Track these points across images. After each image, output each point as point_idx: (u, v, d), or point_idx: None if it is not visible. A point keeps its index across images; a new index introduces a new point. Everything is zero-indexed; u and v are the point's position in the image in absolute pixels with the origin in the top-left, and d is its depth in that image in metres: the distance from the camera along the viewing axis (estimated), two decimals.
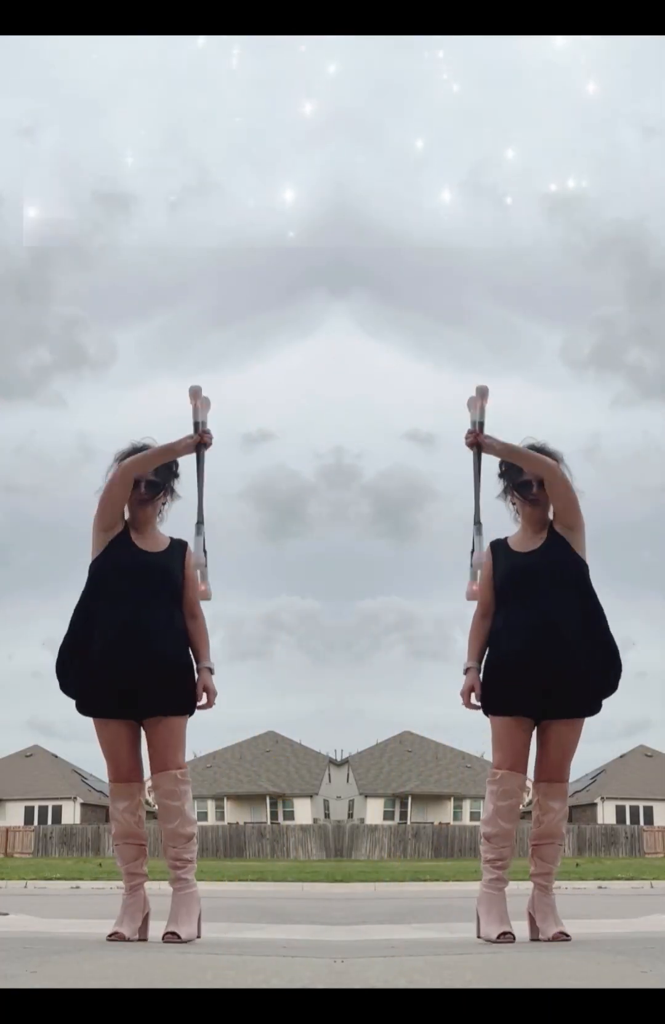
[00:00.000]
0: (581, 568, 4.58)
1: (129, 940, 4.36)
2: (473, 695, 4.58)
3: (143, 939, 4.44)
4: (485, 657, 4.61)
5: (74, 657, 4.51)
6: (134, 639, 4.44)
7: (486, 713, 4.56)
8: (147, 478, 4.62)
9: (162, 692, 4.45)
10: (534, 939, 4.42)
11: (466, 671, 4.63)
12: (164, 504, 4.72)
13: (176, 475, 4.73)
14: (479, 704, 4.58)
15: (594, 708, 4.53)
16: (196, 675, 4.58)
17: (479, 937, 4.38)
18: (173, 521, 4.81)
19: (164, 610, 4.52)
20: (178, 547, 4.69)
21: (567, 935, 4.35)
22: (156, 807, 4.50)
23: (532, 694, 4.45)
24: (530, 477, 4.60)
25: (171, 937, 4.29)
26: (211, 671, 4.62)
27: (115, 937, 4.34)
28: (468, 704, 4.59)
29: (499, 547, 4.69)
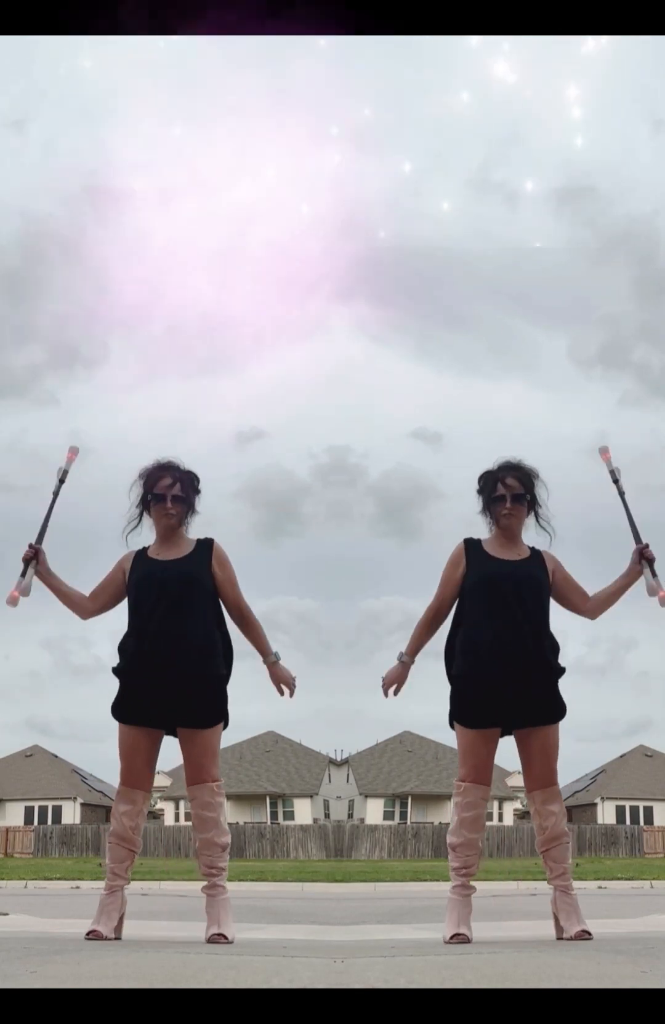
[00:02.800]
0: (547, 587, 4.70)
1: (106, 938, 4.41)
2: (392, 688, 4.73)
3: (118, 938, 4.50)
4: (455, 665, 4.64)
5: (122, 667, 4.62)
6: (157, 652, 4.52)
7: (452, 724, 4.64)
8: (173, 493, 4.68)
9: (188, 705, 4.50)
10: (559, 938, 4.49)
11: (402, 661, 4.75)
12: (189, 517, 4.76)
13: (198, 490, 4.78)
14: (395, 695, 4.72)
15: (562, 712, 4.61)
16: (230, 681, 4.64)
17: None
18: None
19: (189, 620, 4.56)
20: (203, 548, 4.71)
21: (589, 933, 4.42)
22: (191, 816, 4.58)
23: (503, 706, 4.52)
24: (503, 492, 4.69)
25: (219, 938, 4.38)
26: (276, 662, 4.74)
27: (93, 935, 4.40)
28: (388, 693, 4.74)
29: (475, 548, 4.75)
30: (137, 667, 4.54)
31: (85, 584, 4.77)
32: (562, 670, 4.64)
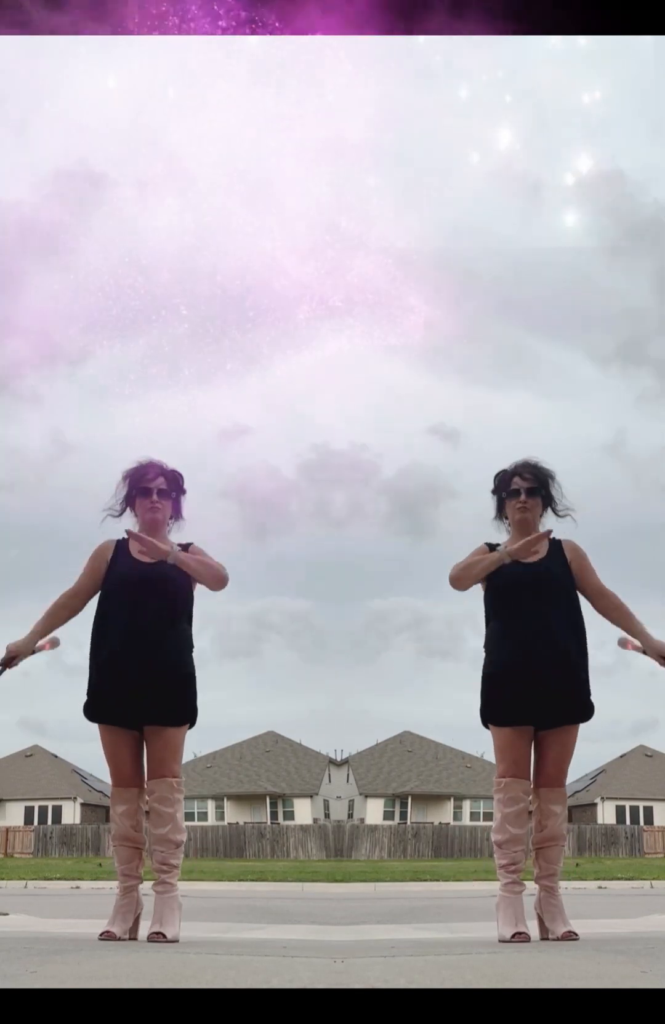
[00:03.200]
0: (572, 582, 4.68)
1: (120, 939, 4.42)
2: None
3: (133, 938, 4.51)
4: (483, 665, 4.66)
5: (91, 666, 4.64)
6: (132, 649, 4.53)
7: (487, 724, 4.63)
8: (158, 486, 4.69)
9: (159, 702, 4.52)
10: (544, 938, 4.48)
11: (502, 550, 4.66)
12: (172, 519, 4.77)
13: (184, 490, 4.79)
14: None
15: (590, 713, 4.62)
16: (190, 682, 4.63)
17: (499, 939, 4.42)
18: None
19: (163, 619, 4.58)
20: (182, 546, 4.73)
21: (575, 934, 4.42)
22: (148, 810, 4.56)
23: (533, 704, 4.52)
24: (518, 486, 4.69)
25: (158, 937, 4.36)
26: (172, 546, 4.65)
27: (106, 936, 4.41)
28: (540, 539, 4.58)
29: (495, 551, 4.73)
30: (116, 666, 4.55)
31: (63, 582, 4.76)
32: (586, 666, 4.62)
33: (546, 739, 4.59)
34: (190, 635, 4.68)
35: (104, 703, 4.57)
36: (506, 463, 4.80)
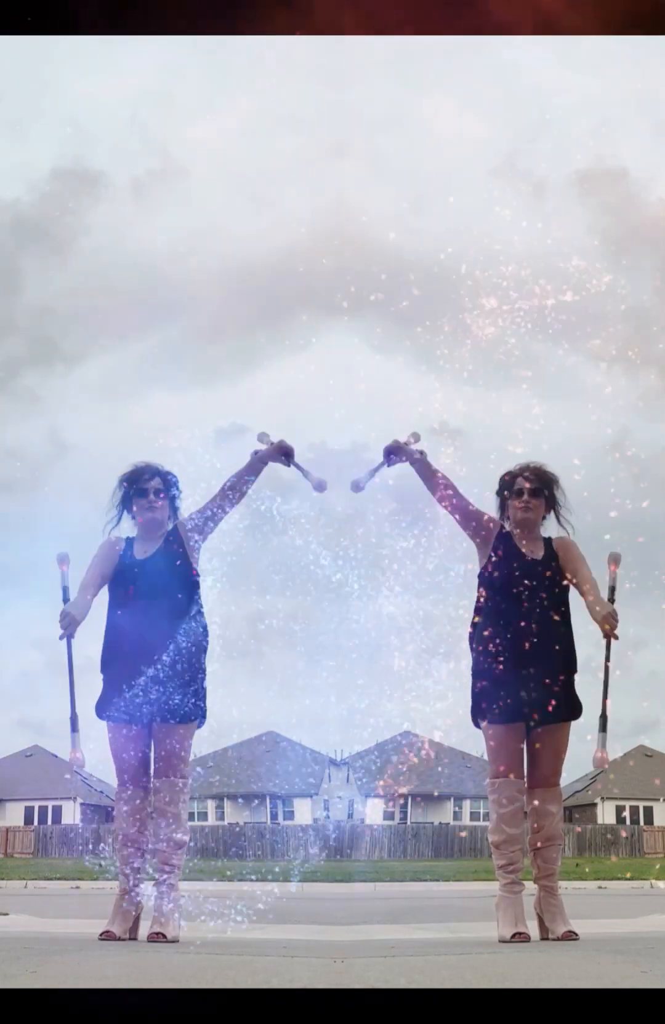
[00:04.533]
0: (563, 579, 4.68)
1: (120, 939, 4.42)
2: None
3: (133, 938, 4.51)
4: (473, 661, 4.66)
5: (102, 665, 4.66)
6: (141, 646, 4.54)
7: (478, 723, 4.63)
8: (154, 487, 4.68)
9: (171, 698, 4.52)
10: (544, 938, 4.47)
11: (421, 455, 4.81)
12: (171, 520, 4.75)
13: (179, 491, 4.78)
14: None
15: (580, 711, 4.62)
16: (201, 682, 4.62)
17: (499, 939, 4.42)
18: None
19: (172, 615, 4.58)
20: (173, 532, 4.71)
21: (575, 934, 4.42)
22: (153, 810, 4.56)
23: (526, 702, 4.52)
24: (521, 486, 4.70)
25: (158, 937, 4.36)
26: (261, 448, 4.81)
27: (106, 936, 4.41)
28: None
29: (503, 532, 4.73)
30: (126, 664, 4.56)
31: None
32: (575, 665, 4.63)
33: (539, 738, 4.59)
34: (201, 631, 4.65)
35: (110, 700, 4.57)
36: (508, 463, 4.83)
